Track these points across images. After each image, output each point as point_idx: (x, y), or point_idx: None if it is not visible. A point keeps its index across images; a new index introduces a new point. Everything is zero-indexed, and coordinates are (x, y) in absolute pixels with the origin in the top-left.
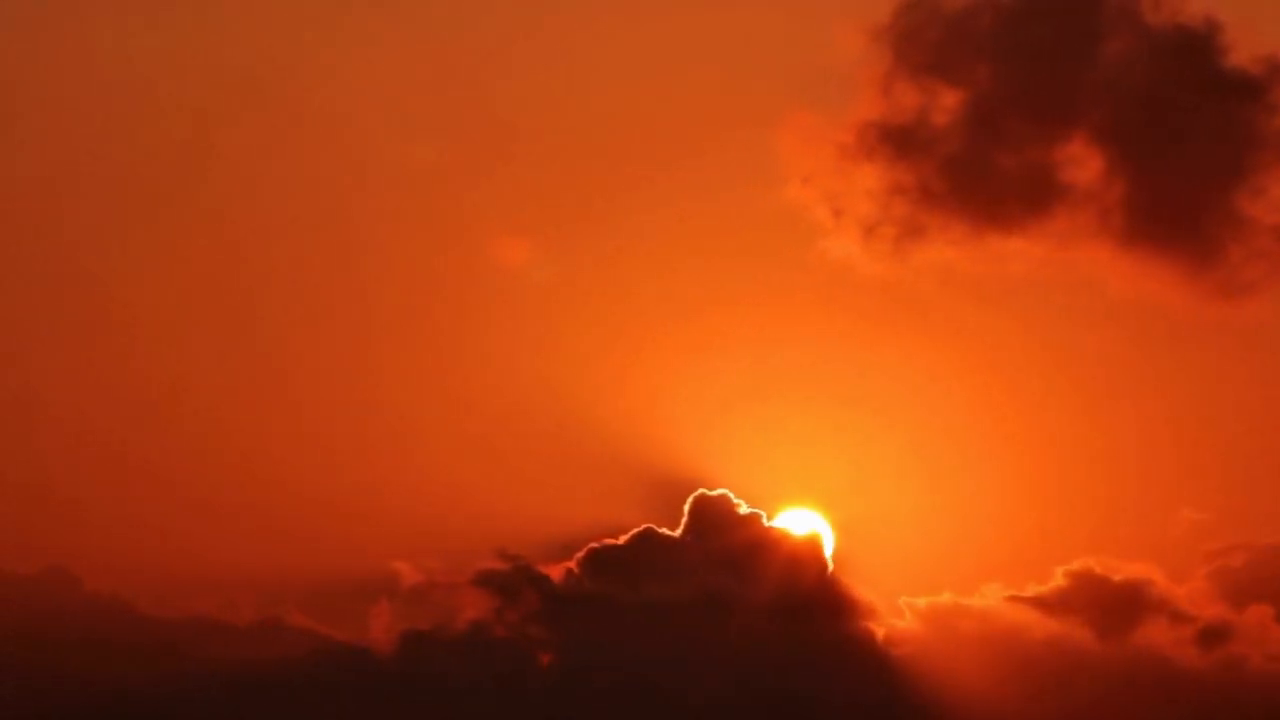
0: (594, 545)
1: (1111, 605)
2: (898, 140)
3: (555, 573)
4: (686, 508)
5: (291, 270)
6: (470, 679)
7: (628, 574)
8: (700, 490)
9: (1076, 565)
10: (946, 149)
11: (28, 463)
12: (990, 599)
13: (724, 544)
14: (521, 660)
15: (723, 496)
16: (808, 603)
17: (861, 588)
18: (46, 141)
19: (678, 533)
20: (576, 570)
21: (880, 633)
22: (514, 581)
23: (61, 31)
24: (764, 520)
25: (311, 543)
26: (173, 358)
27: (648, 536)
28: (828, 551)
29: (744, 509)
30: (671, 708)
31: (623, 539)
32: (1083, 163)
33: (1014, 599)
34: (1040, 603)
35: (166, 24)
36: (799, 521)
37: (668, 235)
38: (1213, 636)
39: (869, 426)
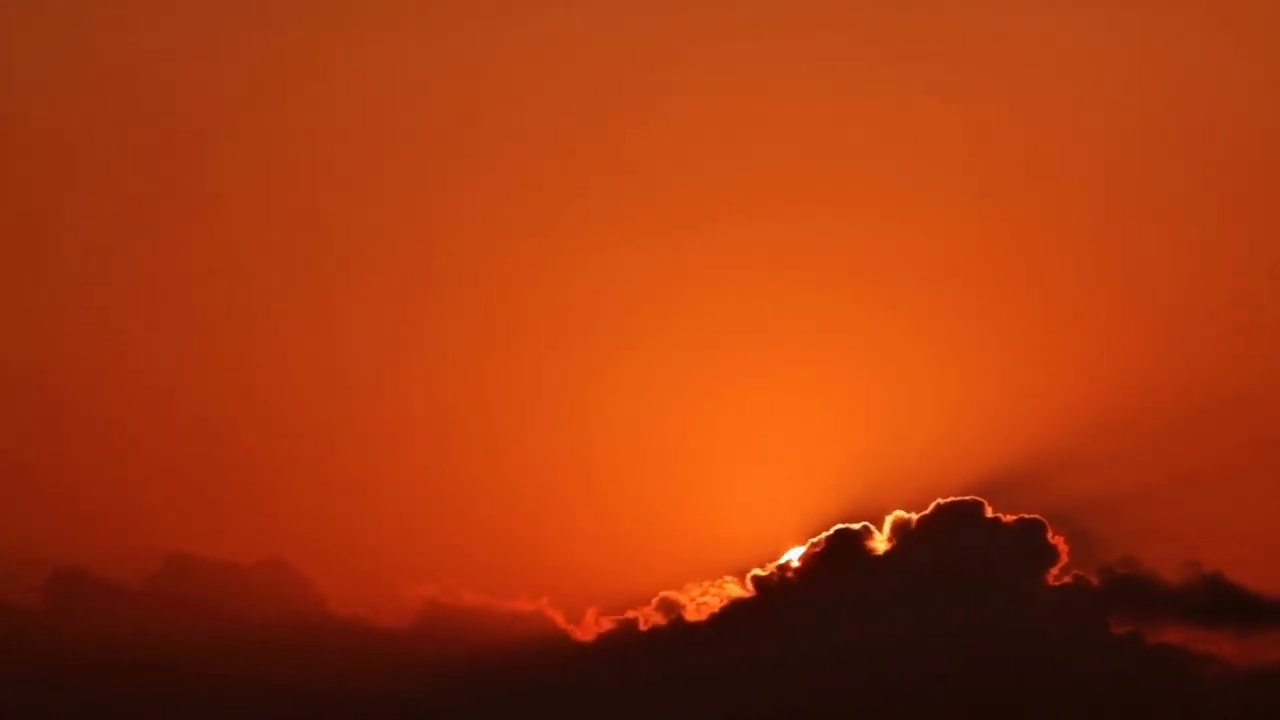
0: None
1: None
2: None
3: (757, 574)
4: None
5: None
6: (667, 673)
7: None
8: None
9: None
10: None
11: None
12: None
13: None
14: (723, 656)
15: None
16: None
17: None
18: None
19: None
20: (784, 567)
21: None
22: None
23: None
24: None
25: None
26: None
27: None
28: None
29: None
30: (871, 708)
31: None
32: None
33: None
34: None
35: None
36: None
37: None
38: None
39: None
